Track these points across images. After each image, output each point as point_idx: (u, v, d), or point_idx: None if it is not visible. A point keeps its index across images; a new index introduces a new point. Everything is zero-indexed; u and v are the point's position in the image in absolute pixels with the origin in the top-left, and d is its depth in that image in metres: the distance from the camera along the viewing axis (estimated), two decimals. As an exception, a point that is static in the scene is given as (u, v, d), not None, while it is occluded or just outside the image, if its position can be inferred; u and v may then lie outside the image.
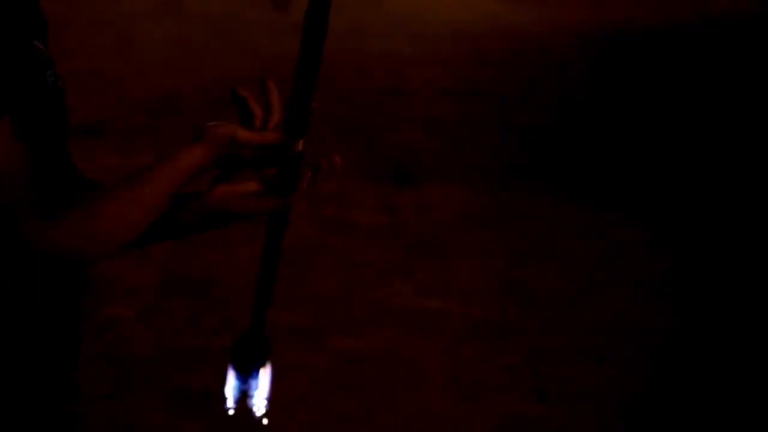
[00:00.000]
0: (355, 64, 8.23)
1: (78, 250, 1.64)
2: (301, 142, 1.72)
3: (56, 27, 2.04)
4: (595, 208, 6.06)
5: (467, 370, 4.47)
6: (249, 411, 1.84)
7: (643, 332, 4.81)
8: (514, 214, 5.98)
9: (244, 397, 1.86)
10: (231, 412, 1.86)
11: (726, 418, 4.23)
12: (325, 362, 4.46)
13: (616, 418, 4.20)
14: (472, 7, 10.37)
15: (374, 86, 8.00)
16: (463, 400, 4.27)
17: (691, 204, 6.17)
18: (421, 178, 6.37)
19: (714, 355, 4.64)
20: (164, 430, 4.03)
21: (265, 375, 1.84)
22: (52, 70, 1.70)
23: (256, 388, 1.86)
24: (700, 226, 5.89)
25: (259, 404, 1.86)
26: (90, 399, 4.12)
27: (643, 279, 5.30)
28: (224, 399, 1.85)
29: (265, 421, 1.83)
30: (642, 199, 6.24)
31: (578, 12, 10.41)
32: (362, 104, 7.56)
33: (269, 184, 1.73)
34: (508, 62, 8.80)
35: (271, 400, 1.84)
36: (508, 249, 5.55)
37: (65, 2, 9.10)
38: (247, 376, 1.85)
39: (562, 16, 10.24)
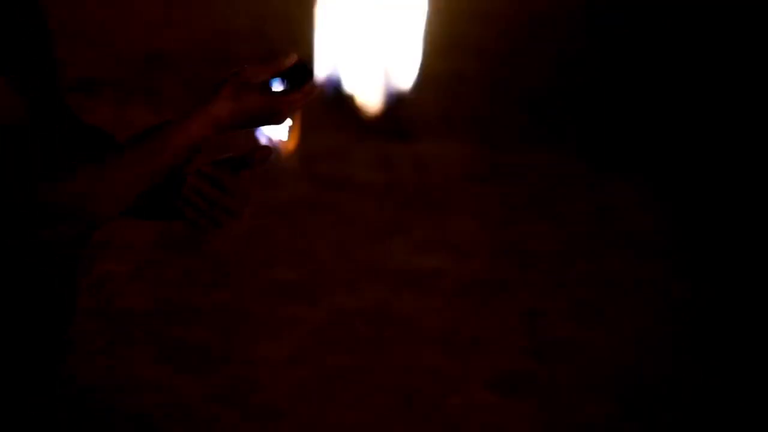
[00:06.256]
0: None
1: (80, 210, 1.64)
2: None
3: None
4: (591, 164, 6.05)
5: (462, 327, 4.48)
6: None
7: (640, 288, 4.82)
8: (511, 170, 5.97)
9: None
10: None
11: (723, 372, 4.24)
12: (320, 318, 4.47)
13: (612, 374, 4.21)
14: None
15: (371, 42, 7.96)
16: (457, 356, 4.28)
17: (687, 159, 6.17)
18: (418, 133, 6.35)
19: (712, 310, 4.65)
20: (159, 383, 4.04)
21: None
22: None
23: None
24: (697, 181, 5.89)
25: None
26: (86, 353, 4.12)
27: (640, 235, 5.30)
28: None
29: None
30: (638, 154, 6.23)
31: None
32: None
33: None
34: (503, 17, 8.76)
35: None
36: (504, 206, 5.55)
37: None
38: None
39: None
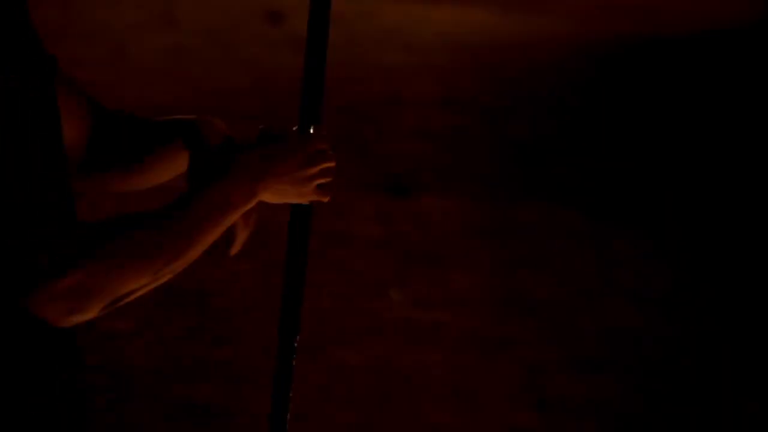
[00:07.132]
0: (350, 75, 8.24)
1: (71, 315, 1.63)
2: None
3: (51, 37, 2.04)
4: (592, 217, 6.07)
5: (465, 381, 4.48)
6: None
7: (641, 342, 4.82)
8: (511, 224, 6.00)
9: None
10: None
11: (725, 427, 4.24)
12: (322, 374, 4.47)
13: (615, 428, 4.21)
14: (463, 17, 10.40)
15: (370, 97, 8.01)
16: (461, 411, 4.28)
17: (689, 213, 6.19)
18: (418, 188, 6.38)
19: (711, 364, 4.66)
20: (163, 441, 4.03)
21: None
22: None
23: None
24: (698, 235, 5.91)
25: None
26: (90, 411, 4.12)
27: (641, 288, 5.32)
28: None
29: None
30: (639, 208, 6.26)
31: (570, 23, 10.44)
32: (358, 115, 7.57)
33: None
34: (501, 72, 8.82)
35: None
36: (505, 259, 5.56)
37: (60, 12, 9.11)
38: None
39: (554, 27, 10.27)
